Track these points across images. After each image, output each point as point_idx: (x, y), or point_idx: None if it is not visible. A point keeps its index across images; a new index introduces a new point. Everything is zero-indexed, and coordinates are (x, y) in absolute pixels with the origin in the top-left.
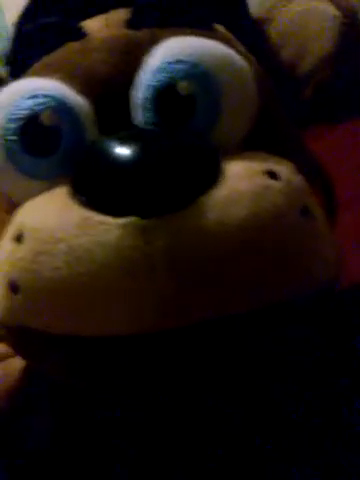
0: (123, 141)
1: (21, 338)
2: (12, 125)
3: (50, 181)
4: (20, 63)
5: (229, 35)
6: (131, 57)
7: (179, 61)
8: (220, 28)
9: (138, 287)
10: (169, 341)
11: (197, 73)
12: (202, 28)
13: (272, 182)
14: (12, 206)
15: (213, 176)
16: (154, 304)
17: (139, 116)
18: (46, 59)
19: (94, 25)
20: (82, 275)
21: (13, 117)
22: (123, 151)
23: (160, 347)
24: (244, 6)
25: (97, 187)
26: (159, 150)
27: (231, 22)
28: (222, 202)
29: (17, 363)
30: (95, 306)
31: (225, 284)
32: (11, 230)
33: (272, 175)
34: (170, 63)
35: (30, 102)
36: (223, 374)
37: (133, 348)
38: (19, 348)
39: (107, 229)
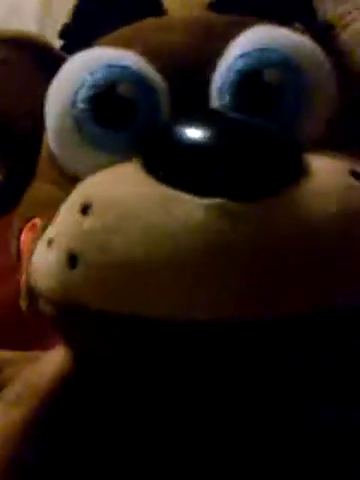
0: (210, 120)
1: (70, 315)
2: (85, 93)
3: (118, 155)
4: (85, 32)
5: (308, 34)
6: (213, 40)
7: (269, 49)
8: (299, 26)
9: (221, 273)
10: (247, 333)
11: (287, 64)
12: (284, 23)
13: (357, 182)
14: (64, 177)
15: (300, 167)
16: (236, 292)
17: (219, 100)
18: (122, 31)
19: (169, 4)
20: (158, 255)
21: (87, 85)
22: (211, 130)
23: (235, 338)
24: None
25: (180, 165)
26: (249, 133)
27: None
28: (311, 194)
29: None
30: (170, 288)
31: (321, 278)
32: (73, 202)
33: (356, 175)
34: (260, 50)
35: (107, 71)
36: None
37: (204, 336)
38: (65, 326)
39: (191, 209)
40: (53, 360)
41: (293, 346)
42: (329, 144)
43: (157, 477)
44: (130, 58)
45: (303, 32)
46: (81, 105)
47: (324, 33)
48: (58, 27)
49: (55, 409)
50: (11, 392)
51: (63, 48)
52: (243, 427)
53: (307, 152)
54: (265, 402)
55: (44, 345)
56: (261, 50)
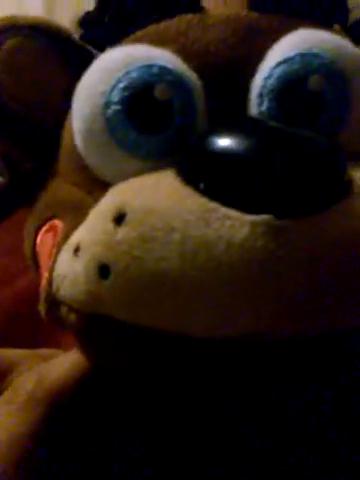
0: (252, 130)
1: (96, 326)
2: (118, 93)
3: (153, 160)
4: (111, 26)
5: (345, 36)
6: (254, 41)
7: (315, 55)
8: (337, 28)
9: (267, 292)
10: (281, 353)
11: (333, 71)
12: (325, 25)
13: None
14: (90, 180)
15: (344, 183)
16: (273, 313)
17: (257, 106)
18: (156, 27)
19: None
20: (195, 270)
21: (121, 85)
22: (254, 141)
23: (276, 357)
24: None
25: (221, 177)
26: (295, 145)
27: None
28: (358, 212)
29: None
30: (205, 306)
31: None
32: (105, 209)
33: None
34: (304, 55)
35: (144, 72)
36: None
37: (240, 355)
38: (88, 336)
39: (234, 225)
40: (68, 361)
41: (339, 363)
42: None
43: None
44: (167, 58)
45: (343, 35)
46: (115, 106)
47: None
48: None
49: (68, 412)
50: (22, 391)
51: (82, 38)
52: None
53: (350, 163)
54: (287, 419)
55: (52, 346)
56: (304, 55)
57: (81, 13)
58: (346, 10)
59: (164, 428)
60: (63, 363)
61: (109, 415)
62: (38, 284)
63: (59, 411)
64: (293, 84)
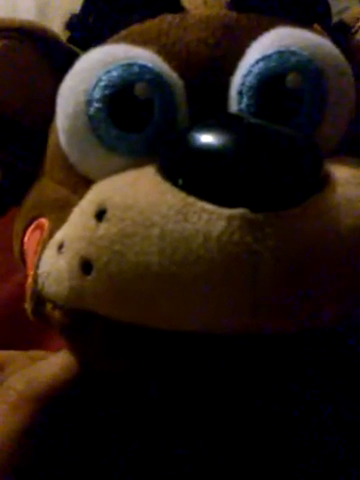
0: (230, 126)
1: (80, 322)
2: (99, 92)
3: (134, 157)
4: (96, 27)
5: (326, 36)
6: (233, 40)
7: (293, 52)
8: (318, 27)
9: (238, 286)
10: (260, 348)
11: (310, 68)
12: (303, 23)
13: None
14: (74, 178)
15: (321, 177)
16: (252, 306)
17: (237, 104)
18: (137, 27)
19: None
20: (175, 264)
21: (102, 84)
22: (232, 137)
23: (253, 351)
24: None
25: (200, 172)
26: (272, 140)
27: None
28: (333, 206)
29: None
30: (184, 299)
31: (345, 290)
32: (87, 206)
33: None
34: (282, 53)
35: (124, 70)
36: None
37: (219, 349)
38: (72, 332)
39: (211, 218)
40: (58, 362)
41: (316, 357)
42: (348, 151)
43: None
44: (147, 57)
45: (323, 34)
46: (96, 105)
47: (340, 34)
48: (53, 27)
49: (58, 412)
50: (12, 391)
51: (69, 40)
52: (256, 441)
53: (327, 158)
54: (278, 414)
55: (44, 346)
56: (282, 53)
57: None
58: (327, 10)
59: (154, 428)
60: (53, 364)
61: (99, 415)
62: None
63: (49, 411)
64: (271, 81)
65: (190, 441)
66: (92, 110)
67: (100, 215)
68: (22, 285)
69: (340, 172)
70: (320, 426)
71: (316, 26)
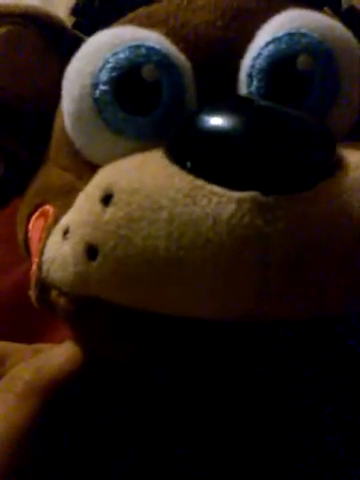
0: (240, 108)
1: (85, 308)
2: (106, 74)
3: (140, 142)
4: (102, 12)
5: (337, 18)
6: (243, 22)
7: (303, 34)
8: (328, 11)
9: (247, 269)
10: (267, 335)
11: (321, 50)
12: (314, 6)
13: None
14: (80, 163)
15: (333, 161)
16: (260, 290)
17: (247, 86)
18: (145, 9)
19: None
20: (183, 249)
21: (108, 65)
22: (242, 119)
23: (264, 337)
24: None
25: (208, 154)
26: (283, 123)
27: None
28: (345, 190)
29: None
30: (192, 283)
31: (350, 278)
32: (93, 190)
33: None
34: (293, 34)
35: (131, 52)
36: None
37: (230, 334)
38: (78, 319)
39: (221, 201)
40: (65, 352)
41: (316, 357)
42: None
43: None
44: (154, 38)
45: (333, 17)
46: (103, 87)
47: (351, 18)
48: (59, 13)
49: (65, 402)
50: (20, 380)
51: (75, 26)
52: (260, 429)
53: (339, 142)
54: (279, 413)
55: (47, 337)
56: (292, 35)
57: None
58: None
59: (156, 423)
60: (59, 354)
61: (101, 410)
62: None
63: (56, 401)
64: (282, 63)
65: (191, 439)
66: (98, 93)
67: (106, 199)
68: (26, 275)
69: (353, 156)
70: (320, 426)
71: (326, 10)
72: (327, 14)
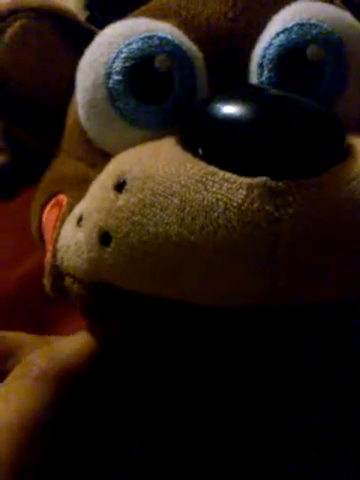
0: (251, 96)
1: (99, 295)
2: (120, 64)
3: (152, 131)
4: (117, 4)
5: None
6: (254, 14)
7: (314, 25)
8: (338, 2)
9: (258, 254)
10: (276, 320)
11: (331, 40)
12: None
13: None
14: (93, 153)
15: (343, 148)
16: (271, 274)
17: (258, 76)
18: (158, 2)
19: None
20: (195, 234)
21: (122, 56)
22: (253, 106)
23: (263, 324)
24: None
25: (220, 141)
26: (293, 110)
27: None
28: (355, 176)
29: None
30: (204, 269)
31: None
32: (106, 178)
33: None
34: (303, 25)
35: (144, 43)
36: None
37: (233, 322)
38: (92, 306)
39: (232, 187)
40: (80, 339)
41: (317, 357)
42: None
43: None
44: (167, 29)
45: (344, 8)
46: (116, 77)
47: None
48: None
49: (79, 389)
50: (35, 366)
51: (88, 19)
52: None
53: (349, 132)
54: (281, 391)
55: (57, 328)
56: (302, 25)
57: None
58: None
59: (159, 418)
60: (75, 341)
61: (118, 394)
62: (43, 265)
63: (70, 388)
64: (292, 54)
65: (192, 436)
66: (112, 82)
67: (119, 187)
68: (35, 266)
69: None
70: (321, 425)
71: (337, 1)
72: (338, 5)
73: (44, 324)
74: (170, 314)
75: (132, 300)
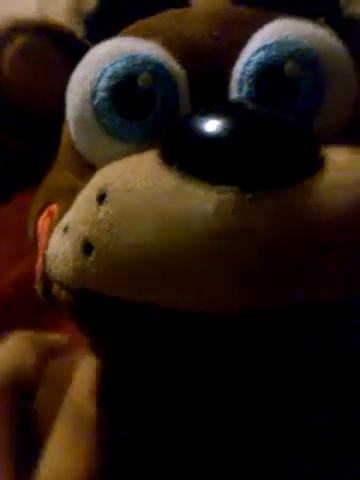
0: (228, 111)
1: (84, 302)
2: (105, 83)
3: (136, 145)
4: (107, 23)
5: (329, 27)
6: (236, 32)
7: (291, 42)
8: (322, 21)
9: (227, 263)
10: (248, 325)
11: (308, 56)
12: (306, 17)
13: None
14: (82, 166)
15: (316, 160)
16: (241, 283)
17: (237, 92)
18: (144, 22)
19: None
20: (170, 241)
21: (107, 75)
22: (228, 120)
23: (237, 330)
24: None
25: (194, 153)
26: (266, 123)
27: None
28: (327, 188)
29: None
30: (179, 279)
31: (324, 273)
32: (90, 190)
33: None
34: (282, 42)
35: (128, 62)
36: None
37: (209, 327)
38: (78, 313)
39: (206, 197)
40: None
41: (316, 356)
42: (349, 138)
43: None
44: (150, 48)
45: (325, 26)
46: (101, 94)
47: (347, 29)
48: None
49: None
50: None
51: (86, 36)
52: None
53: (325, 145)
54: (280, 393)
55: (54, 329)
56: (281, 42)
57: (72, 10)
58: (336, 6)
59: (169, 412)
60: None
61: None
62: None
63: None
64: (271, 70)
65: (192, 436)
66: (97, 100)
67: (101, 198)
68: (25, 273)
69: (338, 157)
70: (321, 425)
71: (321, 20)
72: (320, 24)
73: (41, 325)
74: (160, 319)
75: (119, 306)
